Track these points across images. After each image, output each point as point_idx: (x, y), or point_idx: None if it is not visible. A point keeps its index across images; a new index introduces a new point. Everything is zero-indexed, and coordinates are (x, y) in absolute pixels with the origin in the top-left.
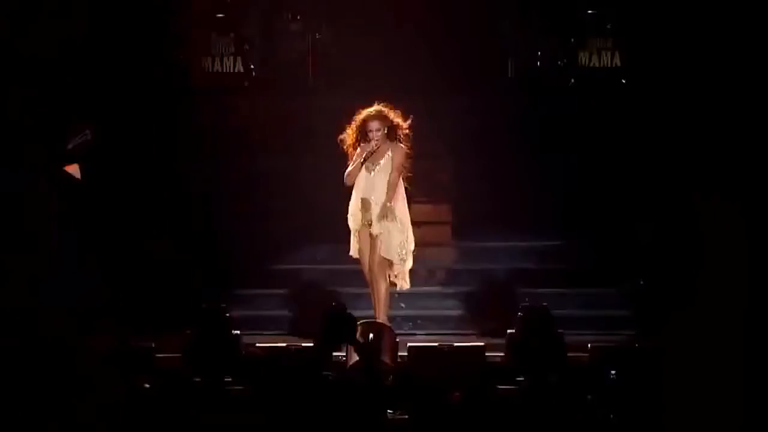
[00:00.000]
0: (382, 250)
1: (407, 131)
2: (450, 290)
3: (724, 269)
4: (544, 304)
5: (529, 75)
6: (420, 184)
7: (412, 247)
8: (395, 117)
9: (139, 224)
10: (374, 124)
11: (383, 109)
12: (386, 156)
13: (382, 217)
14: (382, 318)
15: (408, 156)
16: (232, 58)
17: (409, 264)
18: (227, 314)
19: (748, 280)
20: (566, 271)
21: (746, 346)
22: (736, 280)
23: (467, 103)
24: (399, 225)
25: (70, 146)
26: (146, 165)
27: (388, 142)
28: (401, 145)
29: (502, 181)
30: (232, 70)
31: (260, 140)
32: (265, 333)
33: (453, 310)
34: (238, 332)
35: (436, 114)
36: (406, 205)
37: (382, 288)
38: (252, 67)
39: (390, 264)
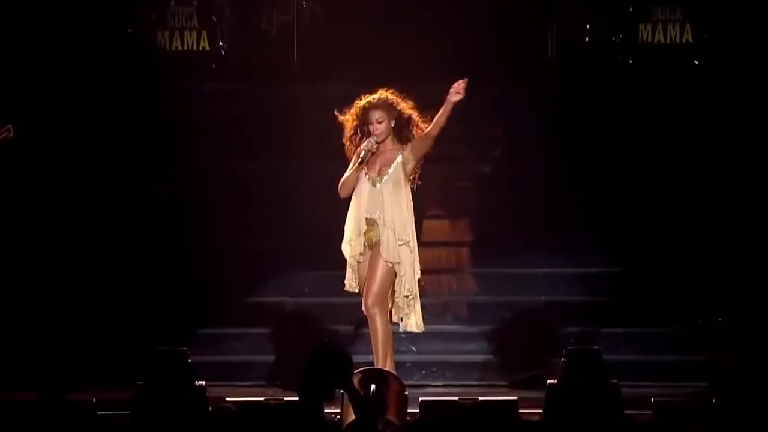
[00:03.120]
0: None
1: (420, 128)
2: (472, 329)
3: None
4: (595, 346)
5: (574, 55)
6: (433, 195)
7: (418, 275)
8: (406, 108)
9: (73, 242)
10: (376, 114)
11: (389, 96)
12: (396, 162)
13: (402, 240)
14: (384, 364)
15: (419, 157)
16: (194, 32)
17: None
18: (189, 359)
19: None
20: (622, 304)
21: None
22: None
23: (494, 92)
24: (409, 251)
25: None
26: (80, 171)
27: (397, 142)
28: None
29: (538, 191)
30: (194, 49)
31: (231, 139)
32: (237, 384)
33: (476, 354)
34: (204, 383)
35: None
36: (413, 221)
37: (379, 325)
38: (221, 44)
39: (391, 296)
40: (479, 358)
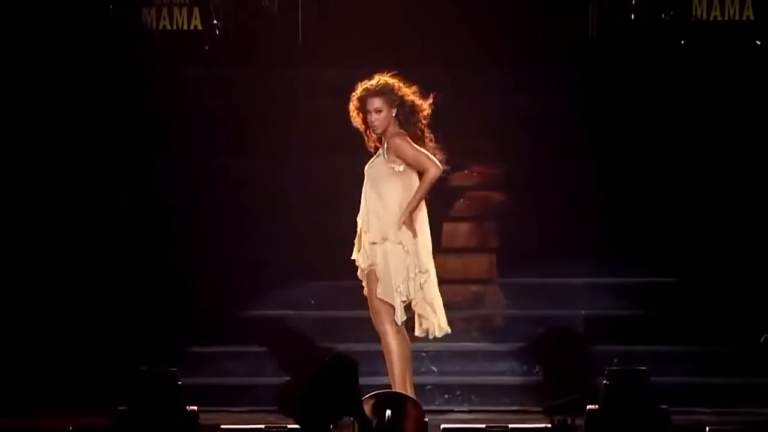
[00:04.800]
0: (378, 290)
1: (426, 114)
2: (502, 347)
3: None
4: (641, 367)
5: (618, 35)
6: (453, 195)
7: (426, 277)
8: (408, 94)
9: (48, 251)
10: (374, 104)
11: (388, 81)
12: (378, 155)
13: (378, 239)
14: (402, 387)
15: (406, 142)
16: (185, 9)
17: (435, 309)
18: (179, 382)
19: None
20: (672, 319)
21: None
22: None
23: (524, 77)
24: (401, 249)
25: None
26: (51, 169)
27: (398, 130)
28: (400, 131)
29: (576, 190)
30: (185, 28)
31: (225, 131)
32: (233, 409)
33: (506, 375)
34: (195, 408)
35: (476, 94)
36: (421, 222)
37: (390, 342)
38: (216, 23)
39: (408, 307)
40: (509, 379)
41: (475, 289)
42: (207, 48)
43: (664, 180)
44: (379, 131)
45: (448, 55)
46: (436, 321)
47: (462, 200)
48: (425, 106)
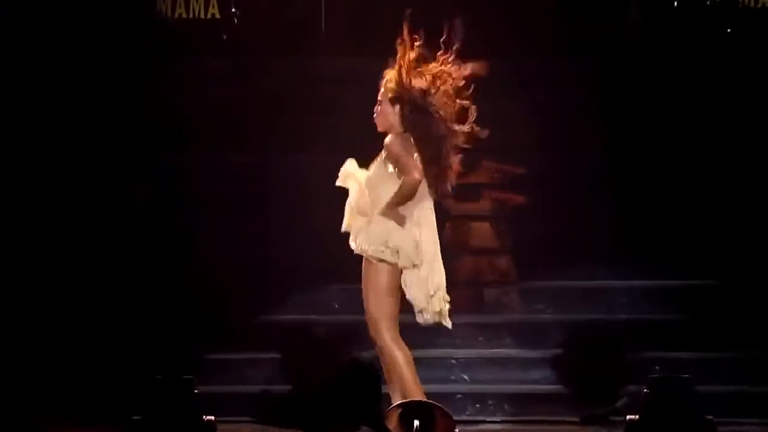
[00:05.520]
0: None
1: (452, 111)
2: (536, 354)
3: None
4: (684, 375)
5: (658, 21)
6: (478, 194)
7: (440, 282)
8: (416, 79)
9: (63, 254)
10: (379, 94)
11: (396, 74)
12: (381, 155)
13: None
14: (417, 394)
15: (396, 142)
16: None
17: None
18: (195, 390)
19: None
20: (718, 324)
21: None
22: None
23: (552, 68)
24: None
25: None
26: (60, 166)
27: (402, 128)
28: (403, 132)
29: (611, 187)
30: (202, 16)
31: (245, 126)
32: (252, 419)
33: (541, 383)
34: (212, 418)
35: (499, 84)
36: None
37: (393, 353)
38: (234, 11)
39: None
40: (544, 388)
41: (506, 293)
42: (225, 37)
43: (707, 178)
44: (378, 127)
45: (475, 43)
46: (429, 307)
47: (489, 199)
48: (448, 108)
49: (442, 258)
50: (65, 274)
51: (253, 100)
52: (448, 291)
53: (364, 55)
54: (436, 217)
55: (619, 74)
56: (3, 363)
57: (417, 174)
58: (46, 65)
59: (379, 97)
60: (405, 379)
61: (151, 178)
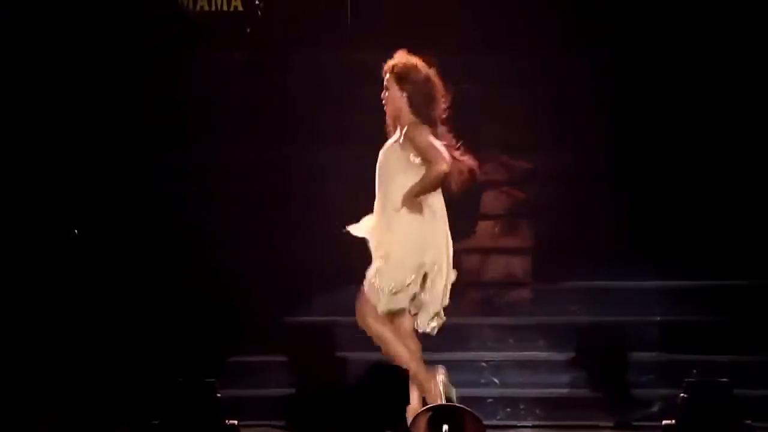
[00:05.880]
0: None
1: (442, 110)
2: (569, 356)
3: None
4: (723, 378)
5: (696, 17)
6: (503, 192)
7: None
8: (425, 82)
9: (71, 250)
10: (385, 81)
11: (406, 62)
12: (394, 142)
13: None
14: (414, 361)
15: (424, 129)
16: None
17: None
18: (218, 393)
19: None
20: (757, 325)
21: None
22: None
23: (575, 60)
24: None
25: None
26: (75, 163)
27: (413, 116)
28: (416, 120)
29: (643, 185)
30: (225, 9)
31: (268, 121)
32: (276, 423)
33: (574, 387)
34: (236, 422)
35: (530, 81)
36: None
37: (379, 331)
38: (258, 3)
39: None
40: (577, 392)
41: (538, 294)
42: (248, 31)
43: (745, 175)
44: (387, 113)
45: (497, 38)
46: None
47: (517, 198)
48: (443, 101)
49: (466, 259)
50: (84, 274)
51: (275, 93)
52: (478, 291)
53: (391, 48)
54: (464, 217)
55: (639, 70)
56: (20, 365)
57: (446, 165)
58: (70, 56)
59: (386, 84)
60: (398, 350)
61: (170, 174)
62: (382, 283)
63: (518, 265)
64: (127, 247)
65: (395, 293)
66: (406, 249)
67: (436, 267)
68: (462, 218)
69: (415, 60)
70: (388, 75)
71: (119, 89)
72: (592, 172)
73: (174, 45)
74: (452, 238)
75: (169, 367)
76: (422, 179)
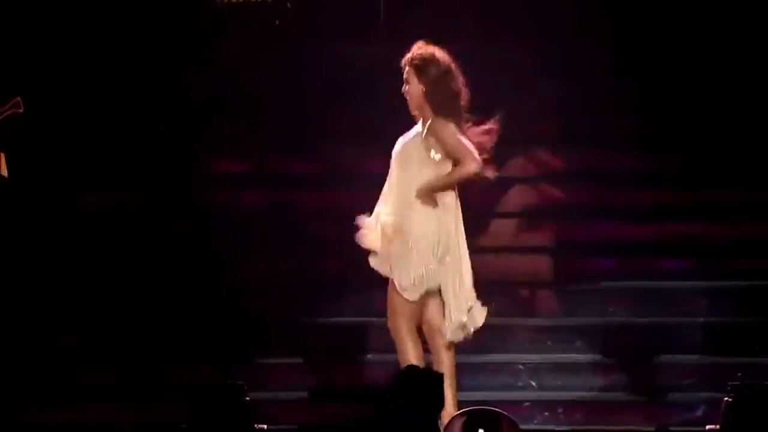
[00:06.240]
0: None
1: (461, 105)
2: (609, 359)
3: None
4: None
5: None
6: (542, 189)
7: (470, 299)
8: (445, 74)
9: (98, 249)
10: (405, 72)
11: (425, 53)
12: (415, 135)
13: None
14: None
15: (452, 126)
16: None
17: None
18: (247, 396)
19: None
20: None
21: None
22: None
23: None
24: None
25: None
26: (98, 157)
27: (430, 112)
28: (439, 114)
29: (685, 182)
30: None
31: (299, 118)
32: (303, 428)
33: (615, 390)
34: (265, 427)
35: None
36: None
37: (400, 341)
38: None
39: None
40: (617, 395)
41: (576, 294)
42: (277, 23)
43: None
44: (410, 106)
45: (526, 31)
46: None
47: (553, 195)
48: (464, 94)
49: (503, 258)
50: (119, 279)
51: (305, 88)
52: (515, 290)
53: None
54: (499, 215)
55: (670, 64)
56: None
57: (476, 165)
58: (95, 46)
59: (405, 75)
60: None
61: (198, 171)
62: (408, 268)
63: (555, 265)
64: (156, 249)
65: (419, 277)
66: (420, 236)
67: (448, 258)
68: (497, 216)
69: (433, 51)
70: (407, 68)
71: (147, 81)
72: (626, 168)
73: (201, 35)
74: (491, 236)
75: (196, 369)
76: (448, 176)
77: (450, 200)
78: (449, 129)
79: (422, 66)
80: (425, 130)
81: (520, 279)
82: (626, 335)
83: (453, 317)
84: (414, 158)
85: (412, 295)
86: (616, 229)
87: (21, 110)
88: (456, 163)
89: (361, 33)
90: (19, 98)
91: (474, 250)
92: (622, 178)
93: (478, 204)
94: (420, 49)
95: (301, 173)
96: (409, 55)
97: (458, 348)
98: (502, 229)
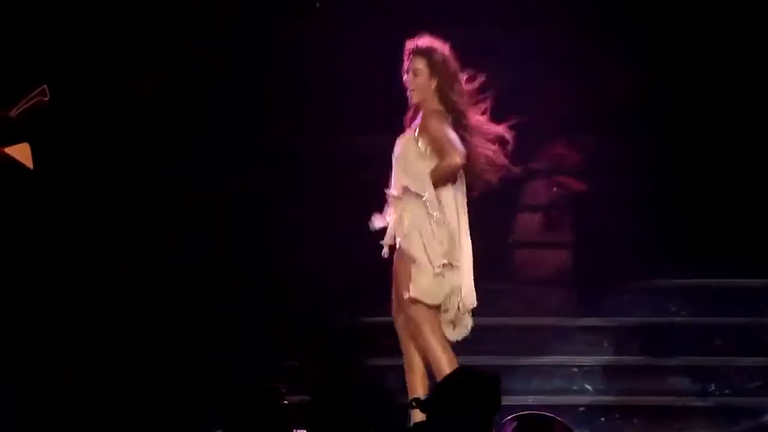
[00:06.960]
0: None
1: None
2: (670, 361)
3: None
4: None
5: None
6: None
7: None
8: (453, 66)
9: (131, 245)
10: (414, 62)
11: (435, 44)
12: (411, 131)
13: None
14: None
15: (441, 119)
16: None
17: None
18: (284, 401)
19: None
20: None
21: None
22: None
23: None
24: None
25: (14, 112)
26: (137, 151)
27: (438, 104)
28: (440, 108)
29: (742, 176)
30: None
31: (338, 105)
32: None
33: (677, 394)
34: (304, 431)
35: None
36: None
37: (433, 353)
38: None
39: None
40: (679, 400)
41: (634, 293)
42: (317, 4)
43: None
44: (415, 99)
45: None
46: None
47: (607, 189)
48: (466, 87)
49: (555, 254)
50: (153, 280)
51: (345, 73)
52: (568, 290)
53: (462, 26)
54: (549, 211)
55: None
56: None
57: (459, 157)
58: (139, 30)
59: (415, 65)
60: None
61: (234, 166)
62: (424, 272)
63: (612, 262)
64: (201, 251)
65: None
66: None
67: (456, 257)
68: (547, 212)
69: (438, 42)
70: (412, 57)
71: (181, 74)
72: (686, 169)
73: (237, 20)
74: (540, 233)
75: (231, 372)
76: (434, 170)
77: (448, 200)
78: (439, 121)
79: (437, 60)
80: (419, 124)
81: (573, 277)
82: (688, 336)
83: (460, 317)
84: (410, 155)
85: (434, 298)
86: (675, 224)
87: (47, 98)
88: (440, 156)
89: (402, 15)
90: (45, 86)
91: (528, 245)
92: (680, 174)
93: (542, 198)
94: (426, 39)
95: (348, 163)
96: (414, 44)
97: (505, 348)
98: (557, 225)
